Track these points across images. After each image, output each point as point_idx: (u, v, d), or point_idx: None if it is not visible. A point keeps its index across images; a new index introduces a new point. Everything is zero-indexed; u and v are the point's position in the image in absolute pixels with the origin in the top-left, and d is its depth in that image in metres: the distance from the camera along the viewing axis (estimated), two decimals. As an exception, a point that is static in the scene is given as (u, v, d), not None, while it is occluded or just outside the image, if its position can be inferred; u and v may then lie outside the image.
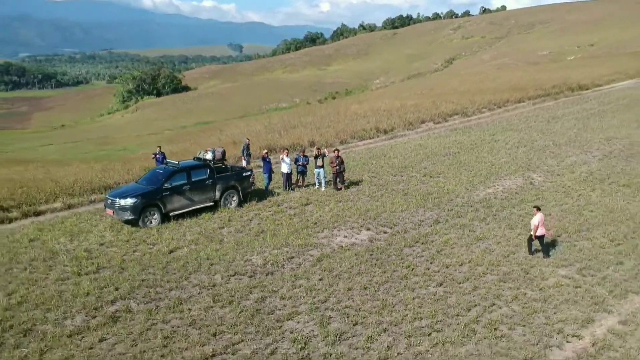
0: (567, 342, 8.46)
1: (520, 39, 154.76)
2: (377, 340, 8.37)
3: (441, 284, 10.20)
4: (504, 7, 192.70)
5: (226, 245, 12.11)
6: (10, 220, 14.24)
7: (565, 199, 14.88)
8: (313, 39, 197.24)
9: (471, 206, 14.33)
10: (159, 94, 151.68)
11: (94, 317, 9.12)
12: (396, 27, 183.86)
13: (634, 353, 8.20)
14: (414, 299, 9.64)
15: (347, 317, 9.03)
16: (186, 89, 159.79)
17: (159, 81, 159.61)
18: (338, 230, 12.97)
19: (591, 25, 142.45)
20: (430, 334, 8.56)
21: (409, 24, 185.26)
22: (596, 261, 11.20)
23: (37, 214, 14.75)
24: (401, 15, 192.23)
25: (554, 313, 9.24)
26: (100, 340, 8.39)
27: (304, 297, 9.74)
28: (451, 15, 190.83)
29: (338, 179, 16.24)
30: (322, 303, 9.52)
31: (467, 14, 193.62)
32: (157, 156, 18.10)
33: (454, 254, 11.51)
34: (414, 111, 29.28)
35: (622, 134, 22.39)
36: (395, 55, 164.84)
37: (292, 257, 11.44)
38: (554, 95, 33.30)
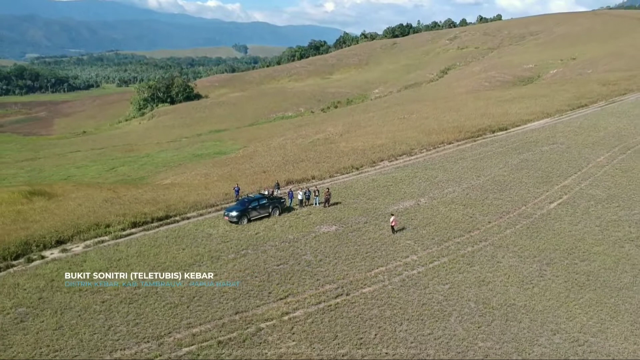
0: (396, 262, 27.27)
1: (510, 51, 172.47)
2: (332, 261, 27.33)
3: (360, 245, 29.15)
4: (499, 17, 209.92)
5: (277, 231, 31.18)
6: (178, 221, 33.35)
7: (429, 211, 33.76)
8: (317, 47, 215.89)
9: (383, 215, 33.25)
10: (172, 102, 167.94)
11: (236, 254, 28.18)
12: (396, 36, 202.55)
13: (417, 263, 27.04)
14: (348, 250, 28.59)
15: (324, 255, 28.03)
16: (198, 96, 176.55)
17: (173, 90, 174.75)
18: (323, 226, 31.94)
19: (574, 39, 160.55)
20: (351, 259, 27.50)
21: (408, 33, 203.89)
22: (425, 238, 30.06)
23: (187, 218, 33.86)
24: (401, 24, 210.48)
25: (395, 254, 28.13)
26: (240, 261, 27.41)
27: (308, 248, 28.77)
28: (449, 24, 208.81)
29: (326, 202, 35.14)
30: (315, 250, 28.52)
31: (464, 22, 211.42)
32: (235, 188, 37.03)
33: (368, 235, 30.43)
34: (379, 151, 48.15)
35: (488, 172, 41.18)
36: (394, 65, 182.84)
37: (304, 236, 30.45)
38: (475, 138, 51.89)
